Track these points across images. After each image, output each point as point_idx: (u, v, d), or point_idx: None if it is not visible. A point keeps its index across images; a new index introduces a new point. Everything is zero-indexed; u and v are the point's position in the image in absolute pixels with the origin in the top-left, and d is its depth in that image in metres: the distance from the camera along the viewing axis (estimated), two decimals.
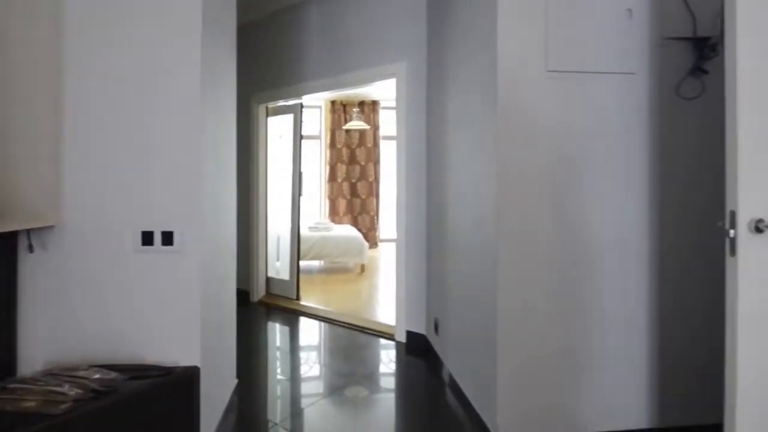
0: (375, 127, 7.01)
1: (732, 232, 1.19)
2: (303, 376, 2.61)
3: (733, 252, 1.19)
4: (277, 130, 4.19)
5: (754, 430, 1.19)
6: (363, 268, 5.30)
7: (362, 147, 6.98)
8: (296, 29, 3.60)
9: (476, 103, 1.94)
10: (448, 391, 2.31)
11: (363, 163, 6.98)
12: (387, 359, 2.86)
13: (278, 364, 2.82)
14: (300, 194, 4.10)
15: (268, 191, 4.09)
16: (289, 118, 4.10)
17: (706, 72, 1.76)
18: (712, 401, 1.49)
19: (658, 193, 1.76)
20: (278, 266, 4.20)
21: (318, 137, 7.05)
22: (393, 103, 3.10)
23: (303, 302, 3.93)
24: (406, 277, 2.97)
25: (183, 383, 1.42)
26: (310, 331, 3.44)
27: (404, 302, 2.98)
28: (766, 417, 1.20)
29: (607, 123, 1.75)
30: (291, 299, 3.97)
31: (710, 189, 1.71)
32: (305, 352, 3.08)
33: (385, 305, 3.91)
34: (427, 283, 2.87)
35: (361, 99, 6.80)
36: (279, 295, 4.07)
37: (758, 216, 1.18)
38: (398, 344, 2.98)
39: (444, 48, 2.45)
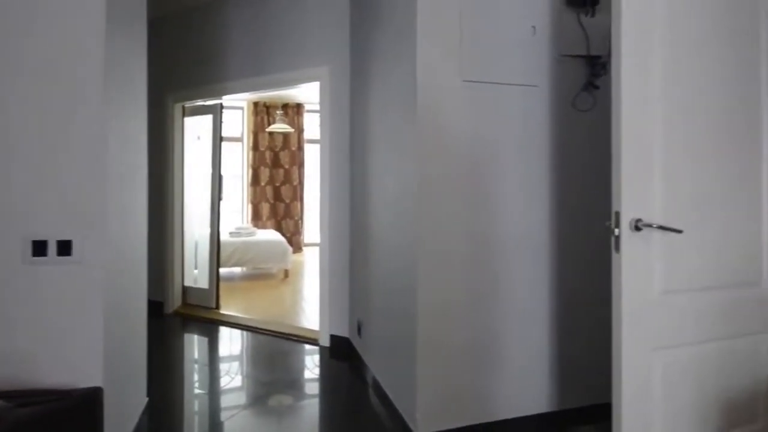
0: (299, 130, 6.87)
1: (617, 230, 1.32)
2: (223, 388, 2.44)
3: (617, 248, 1.32)
4: (195, 130, 3.91)
5: (637, 406, 1.33)
6: (287, 273, 5.14)
7: (286, 150, 6.79)
8: (216, 26, 3.41)
9: (397, 109, 1.97)
10: (371, 391, 2.30)
11: (287, 167, 6.79)
12: (311, 365, 2.79)
13: (195, 377, 2.61)
14: (220, 198, 3.86)
15: (185, 195, 3.79)
16: (208, 118, 3.86)
17: (597, 87, 1.96)
18: (604, 381, 1.65)
19: (556, 195, 1.92)
20: (196, 274, 3.91)
21: (240, 139, 6.73)
22: (317, 107, 3.06)
23: (223, 311, 3.70)
24: (330, 281, 2.92)
25: (83, 407, 1.24)
26: (230, 341, 3.24)
27: (328, 306, 2.93)
28: (647, 395, 1.34)
29: (513, 130, 1.86)
30: (210, 308, 3.71)
31: (600, 192, 1.90)
32: (225, 363, 2.89)
33: (310, 310, 3.82)
34: (351, 286, 2.85)
35: (285, 101, 6.62)
36: (197, 305, 3.78)
37: (638, 216, 1.32)
38: (322, 349, 2.92)
39: (367, 55, 2.46)
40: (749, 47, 1.47)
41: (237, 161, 6.70)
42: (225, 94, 3.48)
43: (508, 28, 1.85)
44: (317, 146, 3.14)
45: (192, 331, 3.37)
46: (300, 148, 6.91)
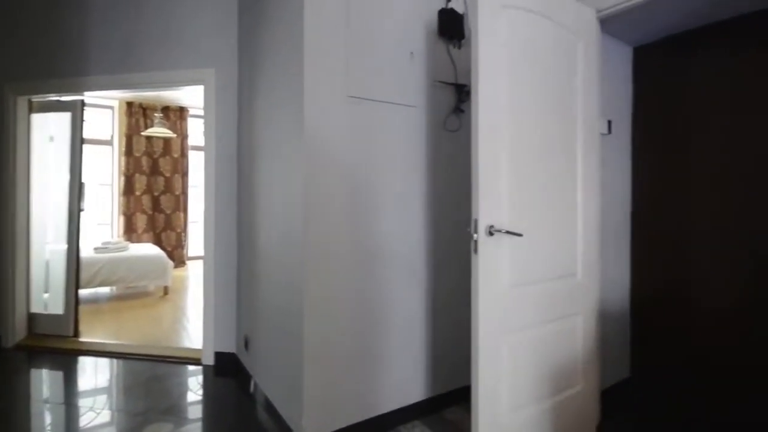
0: (183, 136, 6.40)
1: (475, 235, 1.55)
2: (84, 427, 2.16)
3: (476, 251, 1.55)
4: (47, 130, 3.41)
5: (489, 380, 1.56)
6: (167, 290, 4.73)
7: (167, 156, 6.27)
8: (78, 8, 3.02)
9: (283, 120, 2.01)
10: (258, 406, 2.27)
11: (168, 175, 6.26)
12: (194, 386, 2.62)
13: (47, 421, 2.27)
14: (80, 209, 3.40)
15: (32, 205, 3.28)
16: (65, 117, 3.38)
17: (463, 111, 2.25)
18: (468, 366, 1.90)
19: (431, 205, 2.15)
20: (46, 299, 3.39)
21: (110, 143, 6.02)
22: (203, 111, 2.92)
23: (85, 339, 3.27)
24: (215, 296, 2.80)
25: None
26: (95, 373, 2.87)
27: (212, 322, 2.80)
28: (497, 370, 1.58)
29: (394, 145, 2.04)
30: (66, 337, 3.24)
31: (467, 202, 2.18)
32: (88, 398, 2.56)
33: (193, 328, 3.59)
34: (238, 300, 2.77)
35: (165, 103, 6.12)
36: (48, 335, 3.27)
37: (491, 223, 1.57)
38: (206, 368, 2.77)
39: (255, 62, 2.46)
40: (569, 93, 1.85)
41: (106, 167, 5.97)
42: (88, 90, 3.10)
43: (390, 52, 2.02)
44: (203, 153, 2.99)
45: (41, 366, 2.92)
46: (184, 155, 6.43)
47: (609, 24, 2.11)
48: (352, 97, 1.90)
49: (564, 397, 1.81)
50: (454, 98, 2.23)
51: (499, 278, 1.58)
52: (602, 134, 2.22)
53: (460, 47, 2.26)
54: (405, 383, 2.06)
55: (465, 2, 2.25)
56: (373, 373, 1.96)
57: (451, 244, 2.22)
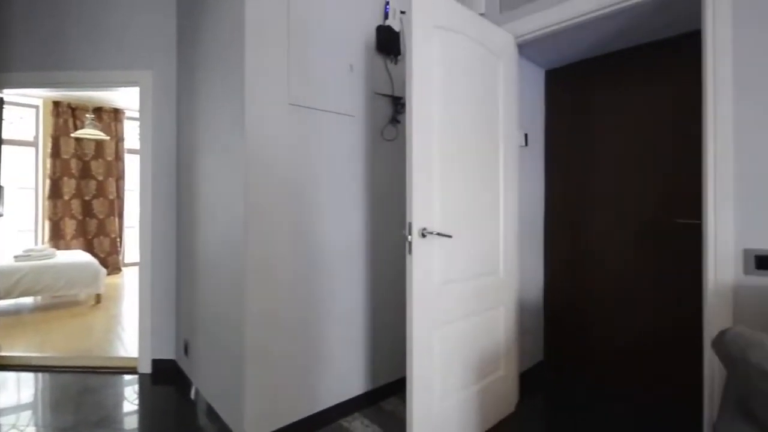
0: (118, 139, 5.92)
1: (409, 237, 1.60)
2: None
3: (410, 251, 1.59)
4: None
5: (422, 369, 1.61)
6: (99, 298, 4.33)
7: (100, 160, 5.75)
8: None
9: (225, 126, 1.94)
10: (199, 412, 2.15)
11: (101, 178, 5.75)
12: (130, 395, 2.43)
13: None
14: None
15: None
16: None
17: (399, 122, 2.31)
18: (402, 360, 1.95)
19: (369, 210, 2.18)
20: None
21: (33, 144, 5.41)
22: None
23: (4, 353, 2.90)
24: (152, 302, 2.62)
25: None
26: (17, 389, 2.56)
27: (149, 329, 2.62)
28: (429, 360, 1.64)
29: (336, 152, 2.05)
30: None
31: (403, 207, 2.24)
32: (9, 416, 2.28)
33: (128, 337, 3.32)
34: (177, 305, 2.61)
35: (98, 104, 5.62)
36: None
37: (424, 225, 1.62)
38: (143, 376, 2.58)
39: (195, 65, 2.34)
40: (492, 108, 1.97)
41: (28, 170, 5.36)
42: (8, 87, 2.78)
43: (331, 64, 2.02)
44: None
45: None
46: (119, 159, 5.94)
47: (525, 49, 2.28)
48: (293, 104, 1.88)
49: (488, 381, 1.92)
50: (391, 109, 2.29)
51: (431, 276, 1.64)
52: (520, 146, 2.38)
53: (396, 63, 2.31)
54: (346, 378, 2.07)
55: (401, 21, 2.32)
56: (316, 371, 1.94)
57: (388, 245, 2.27)
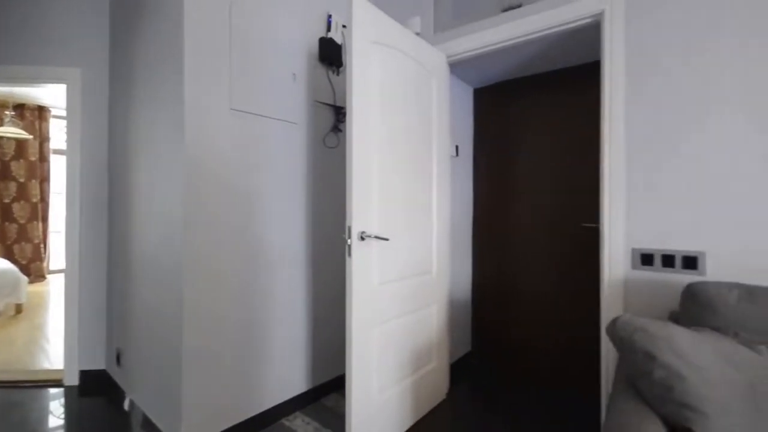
0: (43, 138, 5.25)
1: (349, 240, 1.58)
2: None
3: (350, 254, 1.58)
4: None
5: (361, 365, 1.60)
6: (20, 308, 3.81)
7: (21, 160, 5.06)
8: None
9: (164, 127, 1.79)
10: (133, 423, 1.96)
11: (23, 180, 5.06)
12: (56, 409, 2.15)
13: None
14: None
15: None
16: None
17: (341, 130, 2.29)
18: (342, 358, 1.93)
19: (312, 214, 2.14)
20: None
21: None
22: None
23: None
24: (80, 311, 2.34)
25: None
26: None
27: (77, 339, 2.34)
28: (367, 356, 1.63)
29: (279, 158, 1.98)
30: None
31: (344, 211, 2.22)
32: None
33: (53, 348, 2.95)
34: (108, 314, 2.36)
35: (19, 101, 4.95)
36: None
37: (363, 229, 1.62)
38: (69, 389, 2.30)
39: (131, 64, 2.14)
40: (426, 121, 2.02)
41: None
42: None
43: (274, 71, 1.95)
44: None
45: None
46: (44, 159, 5.27)
47: (456, 68, 2.37)
48: (235, 110, 1.79)
49: (422, 373, 1.95)
50: (333, 118, 2.26)
51: (369, 277, 1.64)
52: (452, 156, 2.47)
53: (338, 74, 2.29)
54: (288, 378, 2.00)
55: (343, 34, 2.30)
56: (257, 372, 1.85)
57: (330, 248, 2.23)
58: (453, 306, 2.55)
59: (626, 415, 0.96)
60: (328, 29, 2.25)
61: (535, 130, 2.53)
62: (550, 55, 2.20)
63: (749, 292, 1.16)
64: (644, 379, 1.00)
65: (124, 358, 2.13)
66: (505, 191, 2.66)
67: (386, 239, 1.64)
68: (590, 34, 1.84)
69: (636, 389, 1.05)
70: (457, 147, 2.57)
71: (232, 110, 1.78)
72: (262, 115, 1.90)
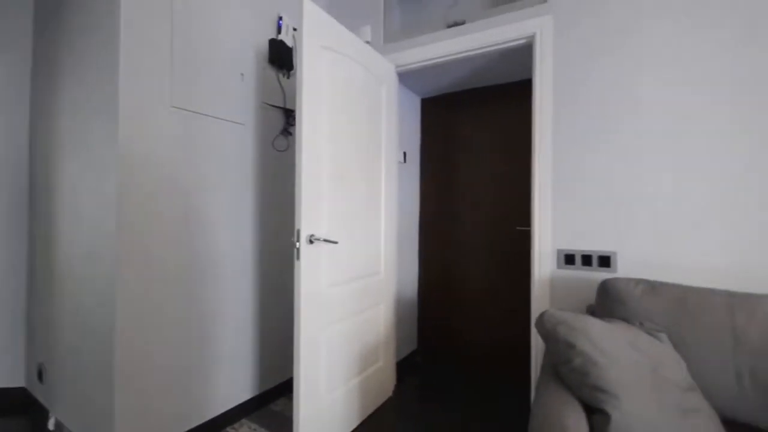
0: None
1: (298, 243, 1.56)
2: None
3: (298, 257, 1.56)
4: None
5: (309, 366, 1.59)
6: None
7: None
8: None
9: (96, 125, 1.64)
10: None
11: None
12: None
13: None
14: None
15: None
16: None
17: (291, 133, 2.25)
18: (291, 361, 1.89)
19: (260, 217, 2.07)
20: None
21: None
22: None
23: None
24: None
25: None
26: None
27: None
28: (316, 358, 1.62)
29: (226, 159, 1.89)
30: None
31: (292, 215, 2.18)
32: None
33: None
34: (29, 325, 2.11)
35: None
36: None
37: (311, 232, 1.60)
38: None
39: (58, 51, 1.93)
40: (375, 127, 2.05)
41: None
42: None
43: (220, 70, 1.86)
44: None
45: None
46: None
47: (405, 78, 2.43)
48: (177, 108, 1.69)
49: (369, 372, 1.97)
50: (283, 121, 2.21)
51: (318, 280, 1.62)
52: (400, 162, 2.53)
53: (288, 77, 2.25)
54: (234, 384, 1.91)
55: (294, 37, 2.27)
56: (200, 381, 1.76)
57: (279, 251, 2.18)
58: (400, 305, 2.61)
59: (550, 400, 1.05)
60: (279, 31, 2.20)
61: (478, 140, 2.66)
62: (493, 71, 2.34)
63: (651, 286, 1.32)
64: (565, 366, 1.09)
65: (48, 373, 1.92)
66: (449, 196, 2.77)
67: (335, 242, 1.64)
68: (526, 53, 1.98)
69: (559, 376, 1.15)
70: (405, 153, 2.63)
71: (173, 108, 1.68)
72: (206, 115, 1.81)
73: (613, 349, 1.07)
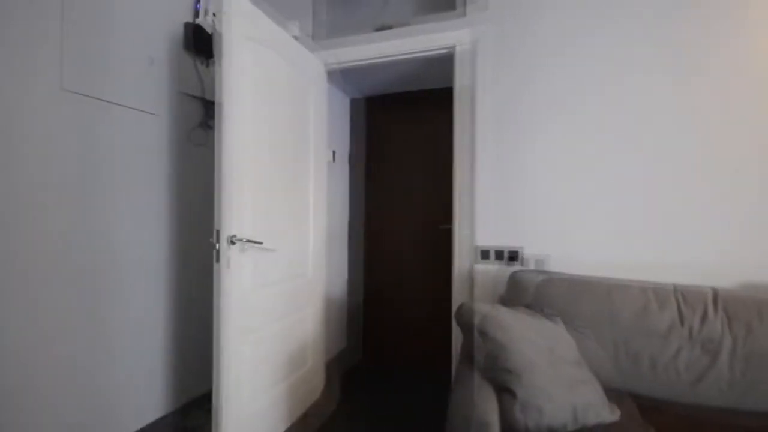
0: None
1: (217, 245, 1.48)
2: None
3: (218, 260, 1.48)
4: None
5: (232, 372, 1.51)
6: None
7: None
8: None
9: None
10: None
11: None
12: None
13: None
14: None
15: None
16: None
17: (211, 127, 2.11)
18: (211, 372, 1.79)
19: (175, 216, 1.91)
20: None
21: None
22: None
23: None
24: None
25: None
26: None
27: None
28: (239, 363, 1.55)
29: (132, 152, 1.71)
30: None
31: (209, 214, 2.05)
32: None
33: None
34: None
35: None
36: None
37: (233, 233, 1.53)
38: None
39: None
40: (304, 125, 2.02)
41: None
42: None
43: (125, 51, 1.68)
44: None
45: None
46: None
47: (335, 77, 2.43)
48: (69, 90, 1.48)
49: (297, 375, 1.94)
50: (202, 113, 2.07)
51: (241, 283, 1.56)
52: (329, 162, 2.52)
53: (208, 65, 2.11)
54: (142, 405, 1.73)
55: (214, 23, 2.13)
56: (100, 406, 1.56)
57: (198, 252, 2.03)
58: (329, 306, 2.60)
59: (465, 384, 1.15)
60: (197, 15, 2.06)
61: (406, 142, 2.77)
62: (421, 76, 2.45)
63: (549, 277, 1.51)
64: (479, 352, 1.21)
65: None
66: (378, 196, 2.83)
67: (260, 243, 1.59)
68: (450, 62, 2.12)
69: (473, 362, 1.26)
70: (334, 152, 2.63)
71: (64, 90, 1.47)
72: (108, 101, 1.62)
73: (518, 334, 1.21)
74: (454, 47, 1.90)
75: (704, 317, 1.34)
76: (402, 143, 2.77)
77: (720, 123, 1.56)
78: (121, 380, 1.65)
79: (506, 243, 1.80)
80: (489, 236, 1.83)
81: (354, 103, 2.91)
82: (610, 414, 1.14)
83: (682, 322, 1.35)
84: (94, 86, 1.57)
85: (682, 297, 1.39)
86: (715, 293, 1.38)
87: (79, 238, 1.50)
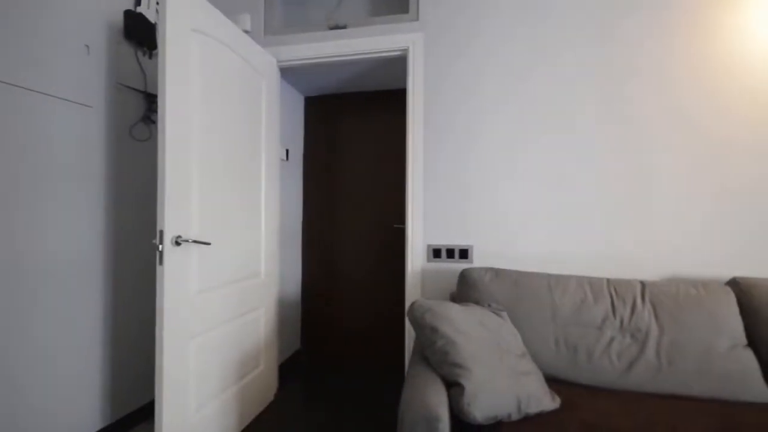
0: None
1: (161, 246, 1.40)
2: None
3: (161, 261, 1.39)
4: None
5: (175, 379, 1.44)
6: None
7: None
8: None
9: None
10: None
11: None
12: None
13: None
14: None
15: None
16: None
17: (153, 122, 1.99)
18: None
19: (112, 215, 1.78)
20: None
21: None
22: None
23: None
24: None
25: None
26: None
27: None
28: (183, 369, 1.48)
29: (63, 146, 1.57)
30: None
31: (153, 214, 1.93)
32: None
33: None
34: None
35: None
36: None
37: (178, 233, 1.45)
38: None
39: None
40: (255, 122, 1.96)
41: None
42: None
43: (56, 36, 1.55)
44: None
45: None
46: None
47: (288, 74, 2.38)
48: None
49: (248, 379, 1.88)
50: (144, 107, 1.94)
51: (186, 285, 1.48)
52: (282, 160, 2.47)
53: (150, 56, 1.99)
54: (73, 420, 1.59)
55: (157, 12, 2.01)
56: (22, 416, 1.42)
57: (140, 254, 1.91)
58: (282, 306, 2.55)
59: (416, 380, 1.17)
60: (138, 2, 1.93)
61: (360, 141, 2.77)
62: (375, 77, 2.46)
63: (497, 273, 1.58)
64: (430, 348, 1.23)
65: None
66: (332, 195, 2.81)
67: (207, 243, 1.52)
68: (402, 64, 2.15)
69: (425, 358, 1.29)
70: (287, 151, 2.58)
71: None
72: (36, 91, 1.49)
73: (467, 329, 1.25)
74: (407, 49, 1.93)
75: (633, 308, 1.46)
76: (357, 143, 2.77)
77: (644, 126, 1.71)
78: (51, 392, 1.51)
79: (457, 241, 1.85)
80: (440, 235, 1.87)
81: (309, 101, 2.86)
82: (551, 402, 1.21)
83: (614, 314, 1.46)
84: (19, 74, 1.43)
85: (615, 290, 1.51)
86: (643, 286, 1.50)
87: (5, 244, 1.36)
